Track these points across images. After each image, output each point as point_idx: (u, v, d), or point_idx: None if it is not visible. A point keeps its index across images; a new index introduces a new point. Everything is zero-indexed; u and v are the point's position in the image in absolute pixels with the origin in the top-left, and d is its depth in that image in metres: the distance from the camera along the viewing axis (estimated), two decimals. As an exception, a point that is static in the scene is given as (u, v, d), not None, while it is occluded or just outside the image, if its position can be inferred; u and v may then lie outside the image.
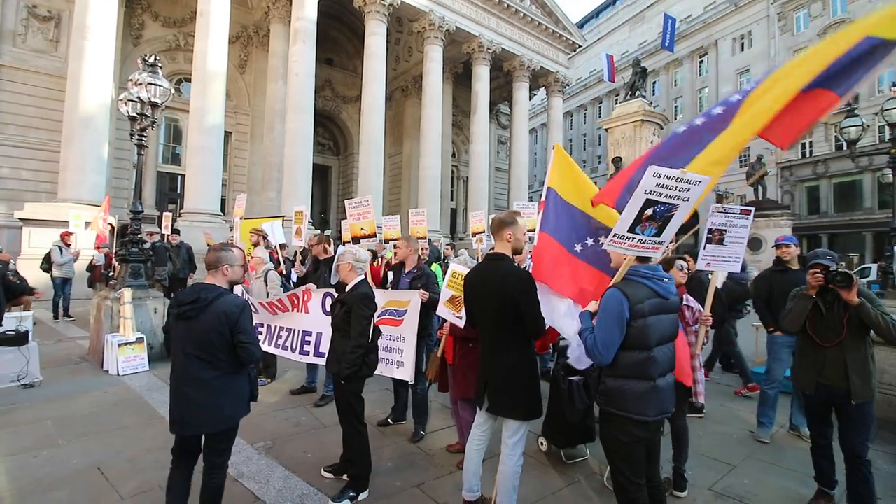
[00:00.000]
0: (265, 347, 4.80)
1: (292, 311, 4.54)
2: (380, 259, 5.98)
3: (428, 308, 3.80)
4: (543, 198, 3.31)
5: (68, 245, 8.95)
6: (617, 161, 14.06)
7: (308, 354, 4.34)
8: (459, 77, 24.16)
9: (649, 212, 2.04)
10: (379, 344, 3.19)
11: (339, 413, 3.03)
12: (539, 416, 2.60)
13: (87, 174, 11.93)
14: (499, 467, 2.59)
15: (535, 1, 23.30)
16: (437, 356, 3.57)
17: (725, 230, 3.38)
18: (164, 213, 10.63)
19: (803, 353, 2.95)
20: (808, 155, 27.47)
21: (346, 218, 6.03)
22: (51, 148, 14.03)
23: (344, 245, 5.72)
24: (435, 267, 7.04)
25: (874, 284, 12.85)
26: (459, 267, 3.36)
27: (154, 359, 5.70)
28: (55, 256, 8.76)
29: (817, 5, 27.38)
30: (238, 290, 5.20)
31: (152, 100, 5.79)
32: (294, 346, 4.46)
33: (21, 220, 10.77)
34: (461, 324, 3.17)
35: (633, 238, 2.10)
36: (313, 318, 4.33)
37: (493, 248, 2.74)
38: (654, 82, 36.59)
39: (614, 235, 2.12)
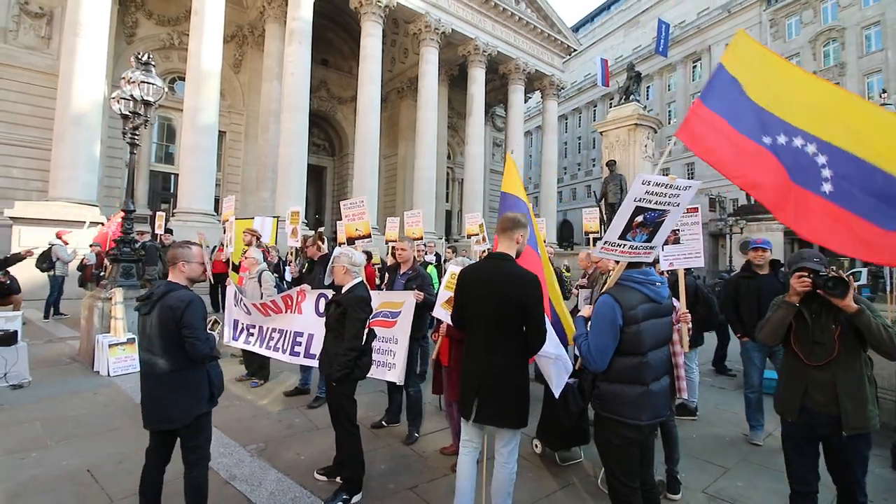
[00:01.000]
0: (257, 349, 4.78)
1: (286, 311, 4.52)
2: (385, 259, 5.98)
3: (422, 309, 3.79)
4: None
5: (66, 244, 8.90)
6: (611, 164, 14.13)
7: (298, 355, 4.31)
8: (455, 79, 24.20)
9: (640, 218, 2.07)
10: (372, 346, 3.18)
11: (331, 415, 3.01)
12: (526, 425, 2.45)
13: (78, 172, 11.78)
14: (493, 475, 2.47)
15: (531, 4, 23.41)
16: (432, 357, 3.56)
17: (678, 230, 3.63)
18: (157, 213, 10.57)
19: (786, 372, 2.42)
20: (799, 160, 27.81)
21: (340, 219, 6.04)
22: (42, 146, 13.86)
23: (339, 245, 5.71)
24: (430, 269, 7.03)
25: (864, 289, 13.00)
26: (457, 268, 3.35)
27: (145, 360, 5.63)
28: (62, 254, 8.77)
29: (808, 13, 27.79)
30: (231, 290, 5.18)
31: (145, 98, 5.74)
32: (285, 348, 4.43)
33: (11, 218, 10.62)
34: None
35: (625, 244, 2.13)
36: (306, 319, 4.31)
37: (489, 249, 2.73)
38: (648, 87, 36.88)
39: (605, 242, 2.14)
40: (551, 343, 2.64)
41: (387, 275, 4.51)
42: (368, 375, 3.21)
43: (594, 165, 41.15)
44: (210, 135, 13.92)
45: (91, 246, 8.95)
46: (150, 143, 18.88)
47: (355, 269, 3.04)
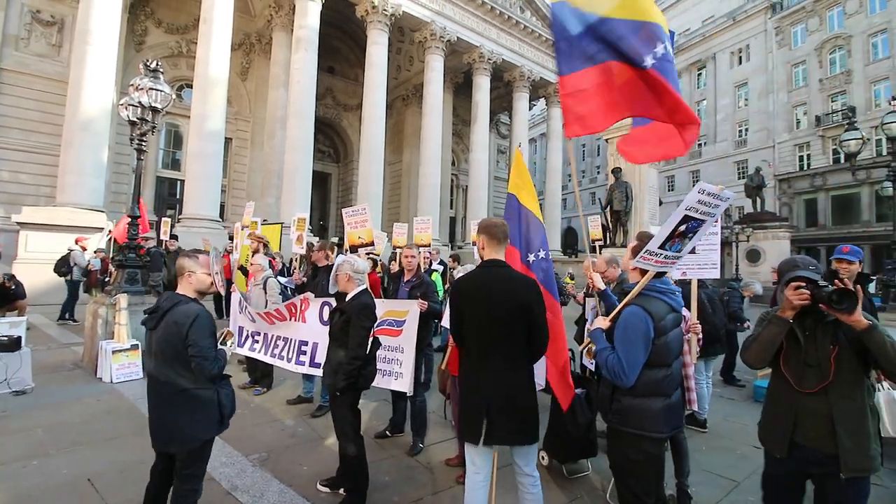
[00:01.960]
0: (262, 357, 4.75)
1: (290, 319, 4.49)
2: (380, 266, 5.94)
3: (427, 318, 3.75)
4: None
5: (85, 250, 9.00)
6: (616, 171, 14.07)
7: (304, 364, 4.28)
8: (460, 87, 24.30)
9: (683, 228, 2.03)
10: (377, 355, 3.13)
11: (335, 425, 2.96)
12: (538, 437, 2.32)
13: (85, 178, 11.87)
14: (524, 500, 2.29)
15: (536, 13, 23.52)
16: (441, 368, 3.50)
17: (699, 240, 3.48)
18: (163, 219, 10.62)
19: (773, 400, 2.08)
20: (805, 167, 27.64)
21: (345, 225, 6.02)
22: (52, 152, 13.97)
23: (345, 253, 5.68)
24: (435, 276, 6.98)
25: (875, 298, 12.82)
26: None
27: (149, 366, 5.62)
28: (79, 259, 8.93)
29: (814, 20, 27.74)
30: (236, 296, 5.16)
31: (153, 105, 5.77)
32: (290, 356, 4.40)
33: (18, 223, 10.70)
34: None
35: (661, 254, 2.09)
36: (310, 328, 4.27)
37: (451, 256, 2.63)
38: (653, 94, 36.84)
39: (646, 252, 2.08)
40: None
41: (391, 282, 4.48)
42: (374, 385, 3.16)
43: (598, 173, 41.11)
44: (216, 141, 14.02)
45: (96, 252, 8.99)
46: (158, 149, 19.04)
47: (358, 277, 3.00)
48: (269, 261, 5.57)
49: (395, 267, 5.58)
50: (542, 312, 2.26)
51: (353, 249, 5.00)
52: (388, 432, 4.02)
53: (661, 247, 2.07)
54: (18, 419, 4.12)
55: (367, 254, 5.17)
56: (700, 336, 3.08)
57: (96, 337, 5.61)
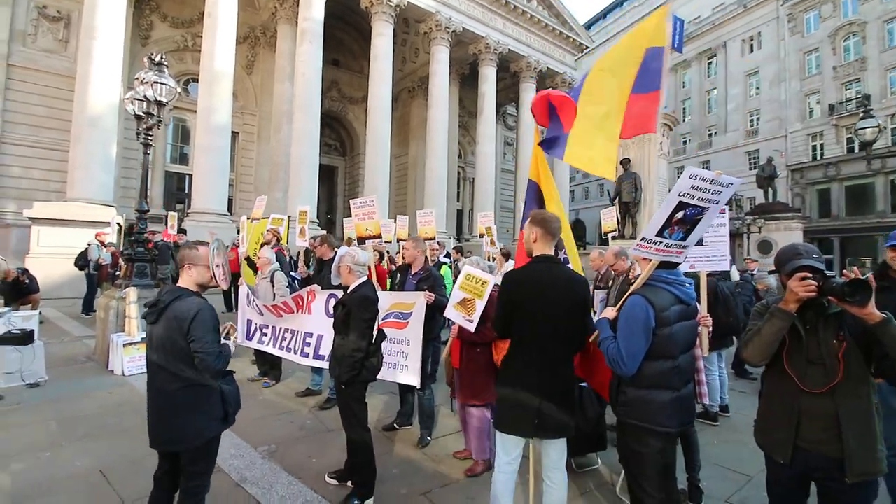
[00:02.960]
0: (270, 349, 4.77)
1: (297, 312, 4.50)
2: (387, 259, 5.92)
3: (434, 310, 3.73)
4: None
5: (103, 244, 9.09)
6: (625, 162, 13.90)
7: (308, 356, 4.29)
8: (466, 78, 24.10)
9: (680, 215, 1.98)
10: (383, 347, 3.12)
11: (341, 418, 2.96)
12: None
13: (94, 173, 11.96)
14: (550, 494, 2.28)
15: (543, 2, 23.20)
16: (446, 359, 3.49)
17: (706, 229, 3.37)
18: (170, 213, 10.69)
19: (772, 398, 1.94)
20: (818, 157, 27.13)
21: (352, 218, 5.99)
22: (61, 147, 14.11)
23: (349, 245, 5.67)
24: (444, 270, 6.95)
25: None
26: (473, 269, 3.27)
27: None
28: (92, 254, 9.04)
29: (828, 6, 27.08)
30: (244, 290, 5.18)
31: (158, 98, 5.77)
32: (296, 349, 4.42)
33: (30, 218, 10.81)
34: (471, 327, 3.08)
35: (661, 242, 2.03)
36: (315, 320, 4.28)
37: (501, 251, 2.65)
38: (662, 84, 36.31)
39: (642, 239, 2.04)
40: None
41: (398, 275, 4.45)
42: (380, 377, 3.15)
43: (607, 164, 40.66)
44: (223, 135, 14.04)
45: (106, 245, 9.07)
46: (165, 143, 19.14)
47: (359, 269, 2.99)
48: (280, 252, 5.57)
49: (399, 259, 5.57)
50: (590, 310, 2.38)
51: (361, 241, 4.99)
52: (396, 425, 4.03)
53: (660, 234, 2.01)
54: (32, 411, 4.18)
55: (374, 248, 5.15)
56: (710, 329, 3.01)
57: (107, 330, 5.67)
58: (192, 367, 2.09)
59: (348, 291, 2.99)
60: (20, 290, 7.67)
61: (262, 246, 5.77)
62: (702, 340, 3.14)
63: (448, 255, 8.39)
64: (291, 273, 6.25)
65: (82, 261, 9.12)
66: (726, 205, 2.40)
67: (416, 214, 9.85)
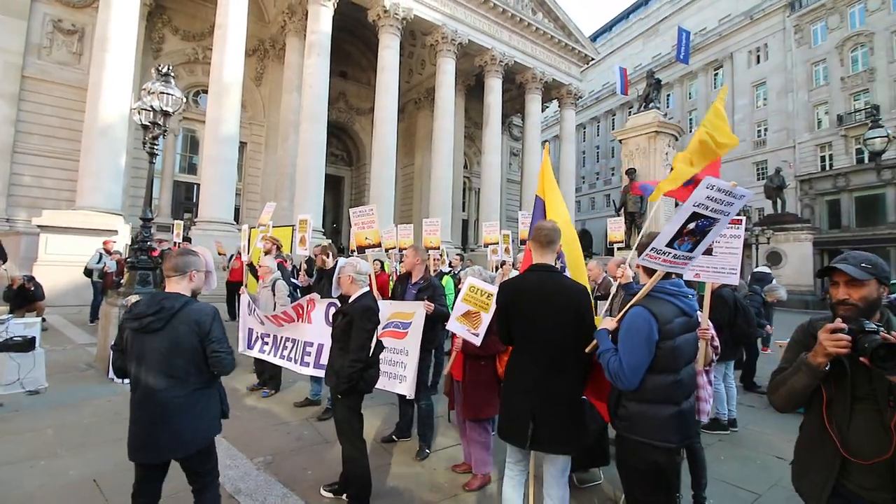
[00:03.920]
0: (271, 359, 4.74)
1: (297, 321, 4.47)
2: (393, 271, 5.89)
3: (434, 320, 3.68)
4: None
5: (109, 252, 9.16)
6: (631, 172, 13.86)
7: (308, 366, 4.25)
8: (472, 89, 24.28)
9: (692, 226, 1.92)
10: (382, 357, 3.07)
11: (336, 429, 2.91)
12: (581, 446, 2.33)
13: (103, 182, 12.13)
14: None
15: (548, 14, 23.40)
16: (445, 373, 3.43)
17: (713, 240, 3.24)
18: (176, 222, 10.76)
19: (811, 440, 1.65)
20: (827, 168, 26.87)
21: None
22: (72, 157, 14.34)
23: (351, 255, 5.65)
24: (447, 280, 6.90)
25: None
26: (477, 281, 3.21)
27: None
28: (92, 262, 9.09)
29: (835, 18, 27.02)
30: (245, 299, 5.16)
31: (164, 108, 5.83)
32: (297, 358, 4.38)
33: (38, 226, 10.95)
34: (476, 341, 3.01)
35: (669, 253, 1.98)
36: (315, 329, 4.25)
37: (503, 260, 2.61)
38: (669, 95, 36.37)
39: (651, 250, 1.98)
40: None
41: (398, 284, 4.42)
42: (378, 387, 3.10)
43: (613, 175, 40.64)
44: (231, 145, 14.22)
45: (111, 254, 9.14)
46: (175, 154, 19.42)
47: (361, 278, 2.95)
48: (280, 262, 5.56)
49: (402, 269, 5.53)
50: (592, 319, 2.28)
51: (361, 250, 4.97)
52: (394, 437, 3.95)
53: (670, 245, 1.96)
54: (29, 419, 4.16)
55: (374, 258, 5.13)
56: (717, 344, 2.92)
57: (108, 338, 5.66)
58: (201, 370, 2.11)
59: (350, 301, 2.95)
60: (26, 296, 7.75)
61: (265, 254, 5.76)
62: (700, 354, 3.05)
63: (450, 265, 8.33)
64: (293, 280, 6.23)
65: (90, 269, 9.19)
66: (741, 215, 2.33)
67: (422, 224, 9.87)
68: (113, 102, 12.29)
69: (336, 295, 3.72)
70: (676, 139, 16.64)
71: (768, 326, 6.98)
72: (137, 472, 2.14)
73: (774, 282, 7.49)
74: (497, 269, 7.24)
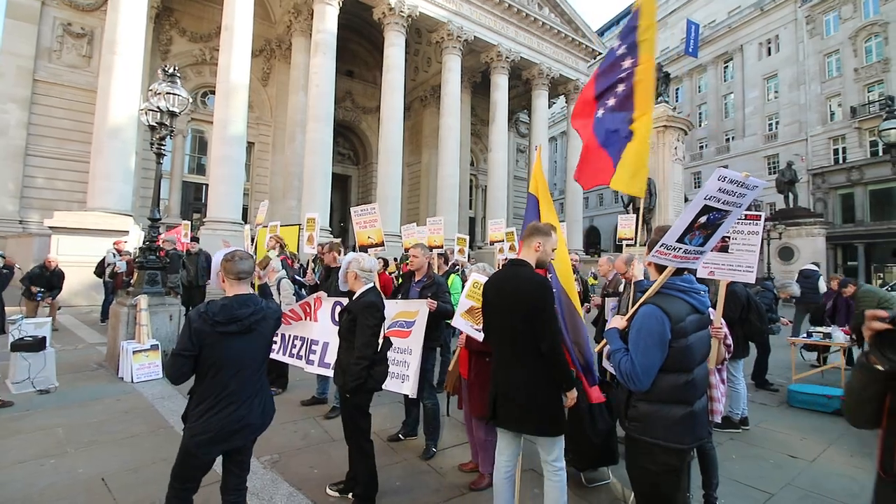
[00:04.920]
0: (280, 357, 4.73)
1: (304, 319, 4.46)
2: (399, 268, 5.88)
3: (437, 318, 3.65)
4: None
5: (119, 252, 9.28)
6: (639, 168, 13.71)
7: (313, 364, 4.24)
8: (478, 86, 24.18)
9: (703, 219, 1.87)
10: (388, 356, 3.04)
11: (343, 428, 2.89)
12: (562, 433, 2.39)
13: (114, 183, 12.27)
14: (544, 491, 2.43)
15: (555, 9, 23.20)
16: (454, 372, 3.39)
17: (729, 237, 3.10)
18: (184, 222, 10.84)
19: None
20: (841, 161, 26.39)
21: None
22: (83, 159, 14.52)
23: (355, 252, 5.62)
24: (453, 278, 6.84)
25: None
26: (480, 277, 3.20)
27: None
28: (108, 261, 9.22)
29: (848, 7, 26.48)
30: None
31: (171, 109, 5.86)
32: (304, 355, 4.37)
33: (50, 227, 11.10)
34: (479, 336, 3.00)
35: (679, 248, 1.92)
36: (322, 327, 4.23)
37: (507, 256, 2.61)
38: (678, 88, 35.96)
39: (661, 245, 1.93)
40: None
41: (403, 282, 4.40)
42: (384, 387, 3.08)
43: (621, 170, 40.24)
44: (239, 145, 14.30)
45: (122, 254, 9.24)
46: (184, 154, 19.60)
47: (365, 275, 2.93)
48: (285, 260, 5.56)
49: (405, 268, 5.51)
50: (547, 313, 2.32)
51: (364, 249, 4.94)
52: (400, 435, 3.94)
53: (680, 240, 1.90)
54: (40, 418, 4.21)
55: (379, 256, 5.11)
56: (730, 342, 2.84)
57: (118, 337, 5.71)
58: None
59: (354, 298, 2.93)
60: (51, 282, 7.94)
61: (271, 250, 5.77)
62: (713, 352, 2.98)
63: (456, 263, 8.28)
64: (297, 278, 6.23)
65: (99, 268, 9.31)
66: (757, 209, 2.27)
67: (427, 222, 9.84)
68: (122, 104, 12.41)
69: (344, 290, 3.71)
70: (686, 133, 16.43)
71: (784, 319, 6.86)
72: (197, 467, 2.18)
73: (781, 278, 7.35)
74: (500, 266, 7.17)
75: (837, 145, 26.86)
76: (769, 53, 30.61)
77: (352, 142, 26.75)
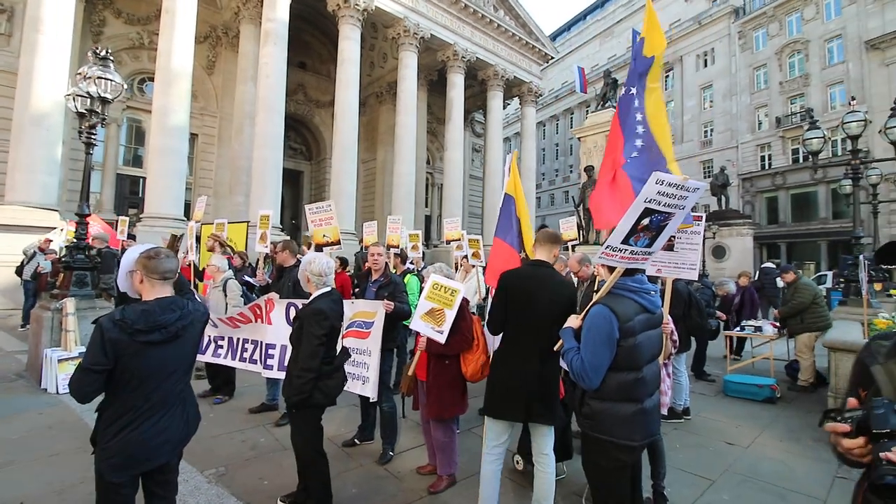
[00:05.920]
0: (229, 362, 4.48)
1: (255, 321, 4.25)
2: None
3: (393, 319, 3.59)
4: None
5: (42, 251, 8.41)
6: (589, 170, 14.21)
7: (272, 369, 4.06)
8: (434, 84, 24.13)
9: (646, 221, 1.92)
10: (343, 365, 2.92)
11: (292, 440, 2.74)
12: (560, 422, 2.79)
13: (37, 175, 11.15)
14: (540, 479, 2.58)
15: (509, 12, 23.58)
16: (408, 372, 3.34)
17: (674, 236, 3.33)
18: (121, 218, 10.06)
19: None
20: (767, 167, 28.67)
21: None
22: (1, 148, 13.11)
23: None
24: (410, 278, 6.75)
25: (833, 292, 13.36)
26: (441, 278, 3.16)
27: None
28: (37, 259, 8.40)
29: (775, 25, 28.80)
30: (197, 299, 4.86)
31: (102, 95, 5.39)
32: (260, 359, 4.17)
33: (-39, 223, 9.95)
34: (441, 339, 2.97)
35: (626, 250, 1.97)
36: (276, 330, 4.05)
37: (465, 255, 2.63)
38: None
39: (607, 247, 1.97)
40: None
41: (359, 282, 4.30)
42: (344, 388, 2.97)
43: (571, 171, 41.65)
44: (181, 136, 13.44)
45: (46, 254, 8.44)
46: (118, 145, 18.19)
47: (316, 279, 2.76)
48: (229, 259, 5.28)
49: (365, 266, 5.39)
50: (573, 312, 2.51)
51: (319, 248, 4.78)
52: (356, 440, 3.84)
53: (625, 242, 1.96)
54: (-54, 438, 3.75)
55: (336, 256, 4.96)
56: (676, 338, 3.01)
57: (41, 344, 5.20)
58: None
59: (305, 304, 2.79)
60: None
61: (209, 251, 5.46)
62: (663, 348, 3.13)
63: (412, 262, 8.21)
64: (247, 278, 5.94)
65: (23, 268, 8.46)
66: (694, 211, 2.41)
67: (386, 220, 9.71)
68: (47, 89, 11.30)
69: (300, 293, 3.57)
70: (632, 138, 17.18)
71: (720, 314, 7.36)
72: (124, 488, 1.90)
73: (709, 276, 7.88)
74: (458, 266, 7.17)
75: (764, 152, 29.16)
76: (706, 65, 32.70)
77: (304, 136, 25.90)
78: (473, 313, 3.51)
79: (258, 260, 6.85)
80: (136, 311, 1.87)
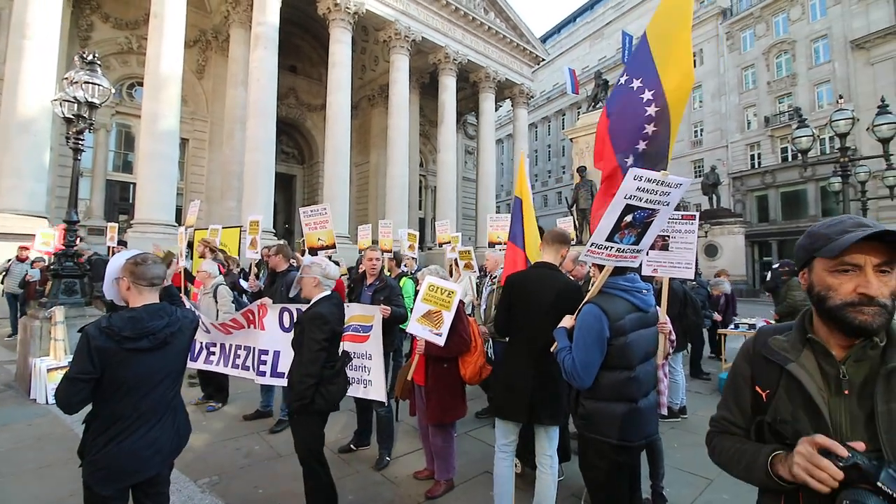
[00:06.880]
0: (221, 369, 4.40)
1: (248, 327, 4.19)
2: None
3: (390, 323, 3.55)
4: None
5: (22, 260, 8.26)
6: (581, 170, 14.27)
7: (265, 375, 3.99)
8: (426, 87, 24.16)
9: (628, 218, 1.90)
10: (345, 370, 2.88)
11: (295, 449, 2.68)
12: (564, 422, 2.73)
13: (24, 182, 11.01)
14: (543, 481, 2.55)
15: (500, 14, 23.68)
16: (405, 376, 3.30)
17: (668, 236, 3.38)
18: (110, 224, 9.93)
19: None
20: (756, 166, 28.97)
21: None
22: (-15, 154, 12.89)
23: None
24: (405, 281, 6.70)
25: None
26: (437, 280, 3.13)
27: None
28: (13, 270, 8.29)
29: (762, 26, 29.15)
30: (187, 305, 4.80)
31: (90, 100, 5.31)
32: (253, 366, 4.11)
33: (-55, 232, 9.79)
34: (440, 341, 2.92)
35: (612, 247, 1.95)
36: (270, 336, 3.99)
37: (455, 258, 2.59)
38: (615, 96, 37.81)
39: (592, 245, 1.96)
40: None
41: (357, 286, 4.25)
42: (347, 394, 2.92)
43: (564, 172, 41.86)
44: (171, 141, 13.32)
45: (34, 262, 8.31)
46: (108, 150, 18.01)
47: (327, 283, 2.74)
48: (218, 266, 5.22)
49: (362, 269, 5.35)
50: None
51: (313, 252, 4.73)
52: (352, 446, 3.80)
53: (610, 239, 1.94)
54: (-69, 451, 3.66)
55: (329, 257, 4.91)
56: (674, 338, 3.00)
57: (29, 354, 5.11)
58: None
59: (306, 308, 2.75)
60: None
61: (202, 259, 5.40)
62: (659, 348, 3.12)
63: (405, 265, 8.17)
64: (240, 284, 5.87)
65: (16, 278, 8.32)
66: (681, 209, 2.38)
67: (378, 224, 9.69)
68: (34, 94, 11.18)
69: (292, 295, 3.52)
70: (624, 138, 17.29)
71: (716, 315, 7.39)
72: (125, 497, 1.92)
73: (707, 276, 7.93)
74: (452, 269, 7.15)
75: (753, 151, 29.47)
76: (694, 66, 32.88)
77: (296, 140, 25.79)
78: (469, 315, 3.49)
79: (250, 266, 6.78)
80: (123, 319, 1.83)
